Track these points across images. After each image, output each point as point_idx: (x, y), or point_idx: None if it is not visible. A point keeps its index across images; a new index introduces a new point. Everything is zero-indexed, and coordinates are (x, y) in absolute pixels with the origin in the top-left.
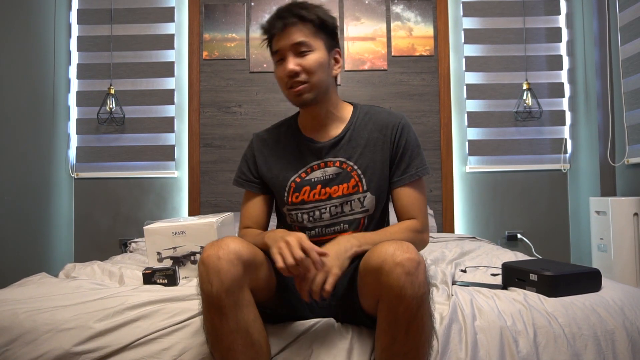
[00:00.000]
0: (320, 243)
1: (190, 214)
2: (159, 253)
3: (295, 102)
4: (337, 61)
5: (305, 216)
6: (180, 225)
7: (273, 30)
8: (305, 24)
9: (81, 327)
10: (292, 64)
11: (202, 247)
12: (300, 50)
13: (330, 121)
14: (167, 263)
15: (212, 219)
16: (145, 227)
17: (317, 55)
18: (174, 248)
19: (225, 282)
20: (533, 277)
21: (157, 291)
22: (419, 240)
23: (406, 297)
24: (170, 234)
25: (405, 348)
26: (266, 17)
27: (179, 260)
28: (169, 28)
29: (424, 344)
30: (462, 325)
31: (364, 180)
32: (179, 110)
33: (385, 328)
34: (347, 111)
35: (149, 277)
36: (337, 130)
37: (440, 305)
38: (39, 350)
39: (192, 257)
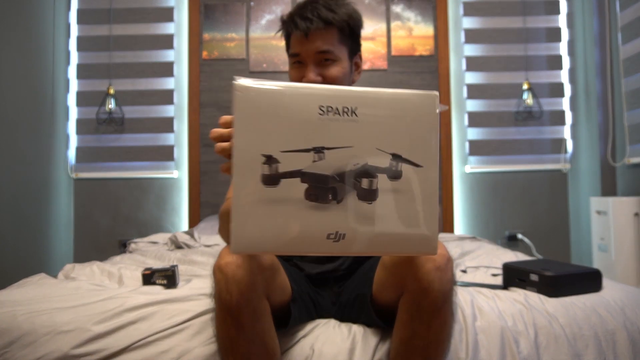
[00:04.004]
0: None
1: (191, 214)
2: (269, 159)
3: None
4: (357, 66)
5: None
6: (347, 94)
7: (295, 31)
8: (331, 29)
9: (80, 329)
10: (313, 73)
11: (394, 157)
12: (324, 58)
13: None
14: (294, 188)
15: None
16: (238, 82)
17: (340, 66)
18: (319, 150)
19: (246, 293)
20: (534, 277)
21: (156, 293)
22: None
23: (433, 291)
24: (314, 109)
25: (424, 342)
26: (266, 17)
27: (326, 187)
28: (169, 28)
29: (444, 341)
30: (463, 326)
31: None
32: (179, 111)
33: (407, 321)
34: None
35: (148, 278)
36: None
37: None
38: (37, 352)
39: (365, 183)
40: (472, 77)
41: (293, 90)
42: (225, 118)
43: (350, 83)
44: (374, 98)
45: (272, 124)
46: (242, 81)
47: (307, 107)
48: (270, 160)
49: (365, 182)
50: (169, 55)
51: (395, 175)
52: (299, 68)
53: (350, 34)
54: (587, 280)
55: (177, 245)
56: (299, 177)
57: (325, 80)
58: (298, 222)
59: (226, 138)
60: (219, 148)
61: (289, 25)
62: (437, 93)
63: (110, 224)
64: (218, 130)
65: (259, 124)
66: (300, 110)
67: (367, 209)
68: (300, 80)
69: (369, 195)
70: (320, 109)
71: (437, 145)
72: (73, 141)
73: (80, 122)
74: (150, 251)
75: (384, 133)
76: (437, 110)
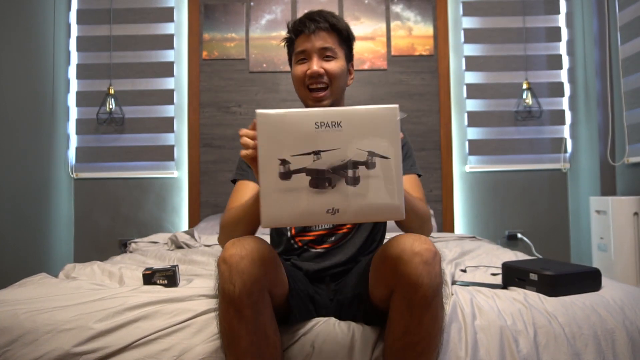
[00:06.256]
0: (322, 236)
1: (190, 214)
2: (283, 162)
3: (312, 105)
4: (350, 72)
5: None
6: (333, 113)
7: (305, 30)
8: (334, 32)
9: (81, 327)
10: (317, 65)
11: (370, 154)
12: (325, 54)
13: None
14: (302, 180)
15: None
16: (259, 112)
17: (340, 63)
18: (317, 153)
19: (248, 284)
20: (533, 276)
21: (157, 292)
22: (429, 223)
23: (423, 285)
24: (312, 126)
25: (417, 338)
26: (266, 17)
27: (323, 178)
28: (169, 28)
29: (436, 335)
30: (462, 325)
31: None
32: (179, 111)
33: (398, 318)
34: None
35: (149, 278)
36: None
37: None
38: (39, 350)
39: (350, 173)
40: (471, 77)
41: (296, 113)
42: (244, 131)
43: (345, 85)
44: (353, 113)
45: (284, 137)
46: (262, 110)
47: (307, 124)
48: (284, 162)
49: (350, 172)
50: (169, 55)
51: (371, 166)
52: (302, 64)
53: (347, 40)
54: (586, 280)
55: (178, 245)
56: (305, 173)
57: (328, 72)
58: (306, 202)
59: (251, 147)
60: (244, 153)
61: (298, 27)
62: (397, 105)
63: (110, 223)
64: (244, 140)
65: (275, 138)
66: (303, 127)
67: (353, 191)
68: (304, 72)
69: (353, 181)
70: (316, 125)
71: (399, 142)
72: (73, 141)
73: (80, 122)
74: (151, 251)
75: (361, 137)
76: (398, 118)
